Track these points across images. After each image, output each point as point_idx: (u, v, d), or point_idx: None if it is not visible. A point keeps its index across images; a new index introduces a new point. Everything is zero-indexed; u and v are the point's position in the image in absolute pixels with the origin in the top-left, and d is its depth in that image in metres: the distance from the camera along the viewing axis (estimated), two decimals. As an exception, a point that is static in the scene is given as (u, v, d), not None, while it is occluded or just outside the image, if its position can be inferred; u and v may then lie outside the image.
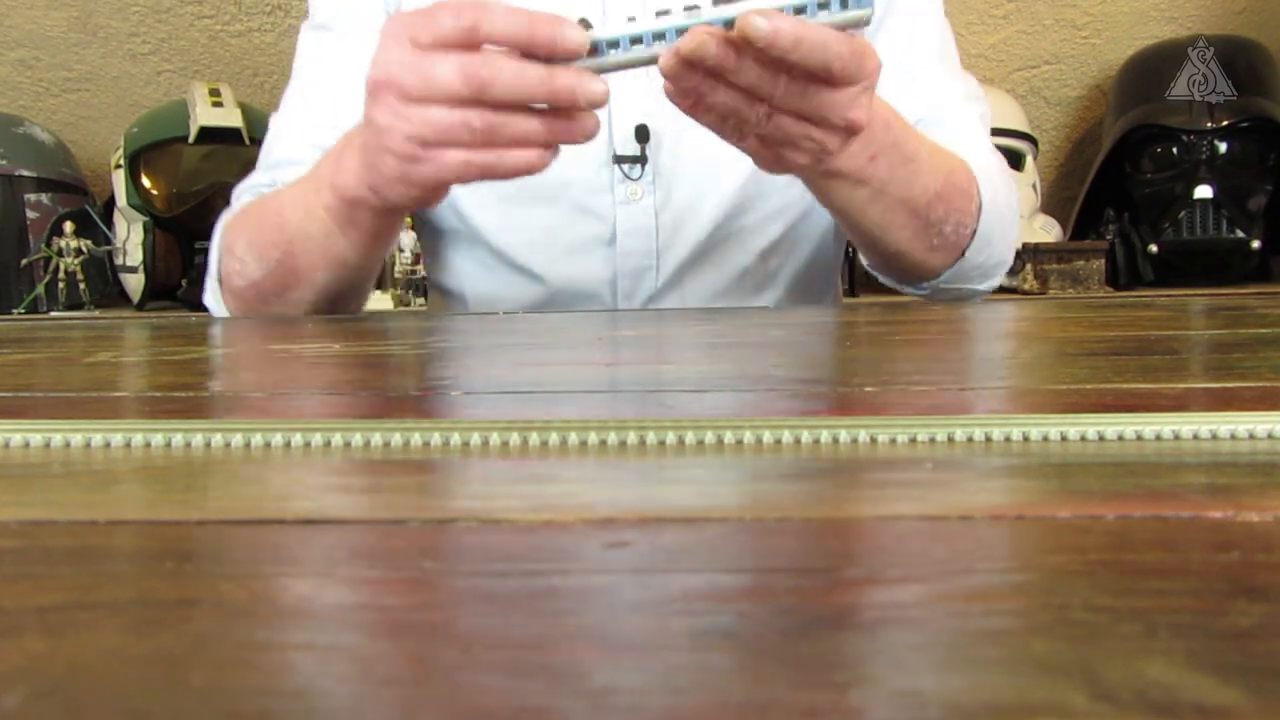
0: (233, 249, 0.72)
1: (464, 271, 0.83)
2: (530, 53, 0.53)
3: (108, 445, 0.26)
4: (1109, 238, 1.58)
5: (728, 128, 0.57)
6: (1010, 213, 0.78)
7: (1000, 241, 0.76)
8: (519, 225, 0.79)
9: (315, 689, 0.13)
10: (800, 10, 0.52)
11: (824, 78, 0.53)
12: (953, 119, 0.78)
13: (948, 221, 0.71)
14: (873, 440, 0.25)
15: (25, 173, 1.62)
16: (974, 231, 0.73)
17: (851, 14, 0.52)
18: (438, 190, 0.59)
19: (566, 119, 0.54)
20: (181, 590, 0.16)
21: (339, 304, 0.72)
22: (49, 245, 1.61)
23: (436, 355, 0.50)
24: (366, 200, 0.61)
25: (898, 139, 0.64)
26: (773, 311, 0.75)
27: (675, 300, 0.80)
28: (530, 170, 0.55)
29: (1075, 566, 0.17)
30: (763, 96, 0.54)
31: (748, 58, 0.52)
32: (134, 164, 1.61)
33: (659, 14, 0.53)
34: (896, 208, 0.67)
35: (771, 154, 0.58)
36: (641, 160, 0.78)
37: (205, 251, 0.92)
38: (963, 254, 0.74)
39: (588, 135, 0.54)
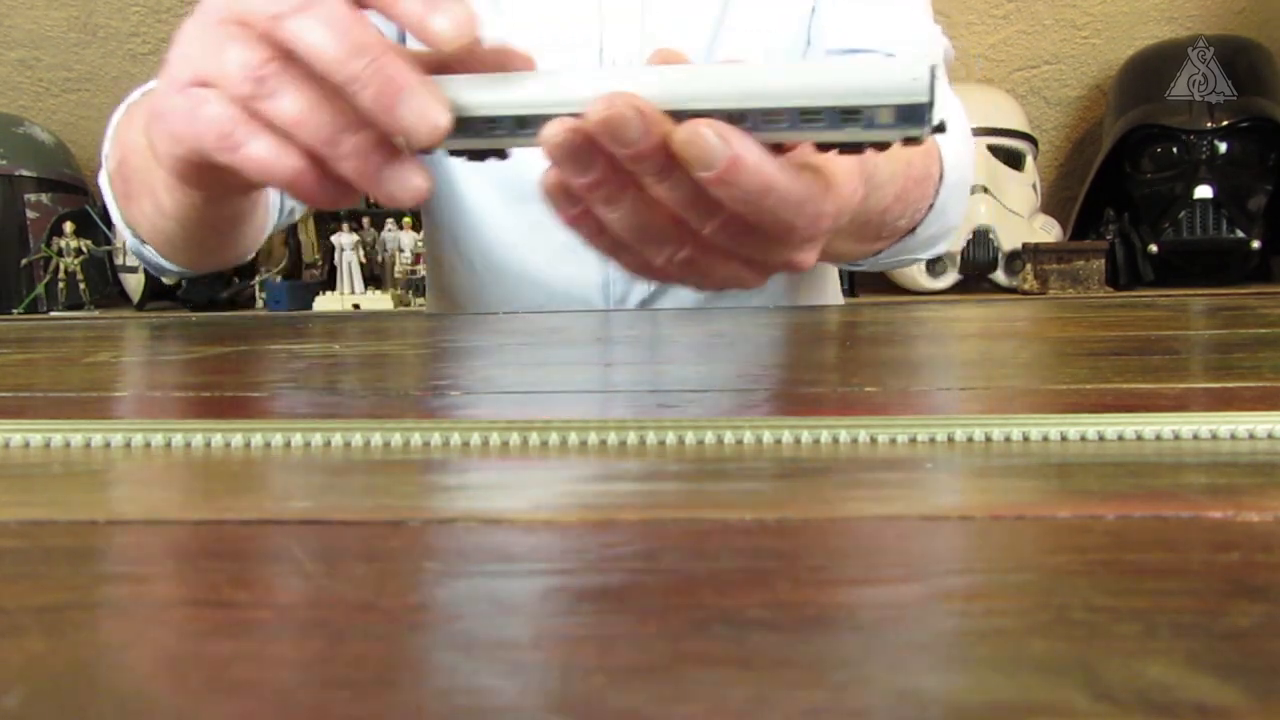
0: (119, 131, 0.63)
1: (461, 272, 0.83)
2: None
3: (108, 445, 0.26)
4: (1109, 238, 1.58)
5: (616, 252, 0.39)
6: (969, 161, 0.68)
7: (955, 208, 0.66)
8: (516, 224, 0.79)
9: (315, 689, 0.13)
10: (846, 116, 0.33)
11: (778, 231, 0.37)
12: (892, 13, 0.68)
13: (904, 216, 0.61)
14: (873, 440, 0.25)
15: (25, 173, 1.63)
16: (931, 205, 0.64)
17: (899, 134, 0.33)
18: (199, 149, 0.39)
19: (374, 162, 0.36)
20: (181, 590, 0.16)
21: (174, 250, 0.62)
22: (49, 245, 1.61)
23: (436, 355, 0.50)
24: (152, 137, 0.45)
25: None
26: (772, 311, 0.75)
27: (668, 305, 0.80)
28: (273, 178, 0.37)
29: (1075, 566, 0.17)
30: (686, 234, 0.38)
31: (682, 175, 0.35)
32: (134, 164, 1.61)
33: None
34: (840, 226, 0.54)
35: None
36: None
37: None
38: (912, 231, 0.65)
39: (392, 195, 0.36)
